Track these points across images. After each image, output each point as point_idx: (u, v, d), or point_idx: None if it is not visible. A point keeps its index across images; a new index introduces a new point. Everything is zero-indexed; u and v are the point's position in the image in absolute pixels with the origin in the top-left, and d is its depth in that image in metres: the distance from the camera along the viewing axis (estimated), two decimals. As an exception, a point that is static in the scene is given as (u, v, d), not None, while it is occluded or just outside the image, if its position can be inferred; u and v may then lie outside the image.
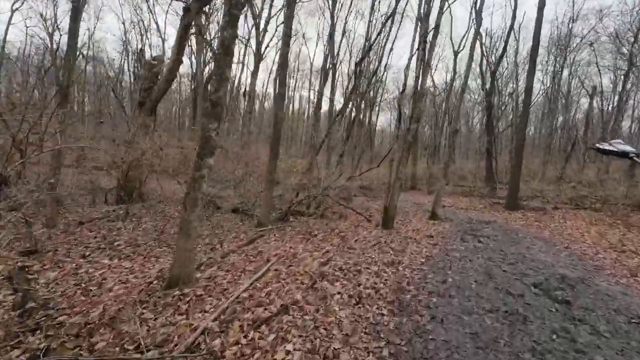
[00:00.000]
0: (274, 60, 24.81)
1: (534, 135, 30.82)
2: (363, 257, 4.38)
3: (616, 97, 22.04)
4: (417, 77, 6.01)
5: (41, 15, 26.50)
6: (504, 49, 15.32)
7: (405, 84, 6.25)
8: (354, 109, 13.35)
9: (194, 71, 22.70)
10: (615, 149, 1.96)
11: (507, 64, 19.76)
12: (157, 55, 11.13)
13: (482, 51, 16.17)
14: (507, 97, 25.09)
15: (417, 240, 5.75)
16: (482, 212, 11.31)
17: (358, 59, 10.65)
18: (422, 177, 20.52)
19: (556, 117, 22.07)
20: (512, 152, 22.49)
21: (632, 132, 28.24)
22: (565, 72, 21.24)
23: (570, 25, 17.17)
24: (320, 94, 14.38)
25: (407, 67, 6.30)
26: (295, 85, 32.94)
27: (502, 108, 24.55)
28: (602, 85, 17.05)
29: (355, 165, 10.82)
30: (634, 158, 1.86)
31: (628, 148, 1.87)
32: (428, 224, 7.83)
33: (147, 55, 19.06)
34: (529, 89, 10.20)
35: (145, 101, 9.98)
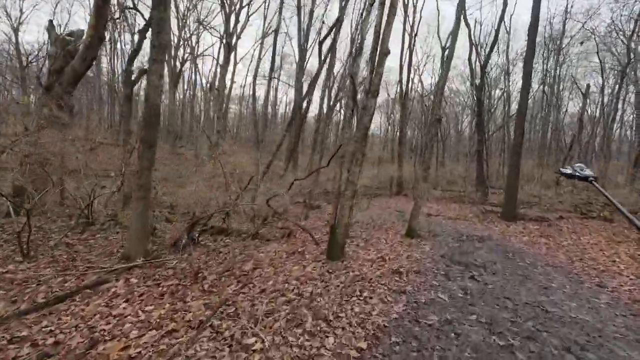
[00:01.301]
0: (252, 56, 22.66)
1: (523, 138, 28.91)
2: (230, 352, 2.04)
3: (605, 99, 20.28)
4: (377, 29, 3.81)
5: (5, 10, 24.13)
6: (495, 38, 13.28)
7: (361, 44, 4.06)
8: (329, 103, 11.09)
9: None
10: (578, 174, 1.78)
11: (498, 56, 17.74)
12: (75, 30, 8.77)
13: (470, 42, 14.13)
14: (496, 100, 23.33)
15: (372, 284, 3.44)
16: (473, 222, 9.08)
17: (322, 37, 8.44)
18: (409, 181, 18.37)
19: (549, 118, 20.09)
20: (504, 153, 20.44)
21: (621, 137, 26.45)
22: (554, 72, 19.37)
23: (565, 16, 15.25)
24: (300, 90, 12.17)
25: (365, 20, 4.10)
26: (279, 85, 30.72)
27: (492, 110, 22.70)
28: (602, 75, 15.03)
29: (307, 167, 8.50)
30: (593, 182, 1.72)
31: (588, 172, 1.77)
32: (401, 245, 5.53)
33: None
34: (527, 73, 8.04)
35: (54, 86, 7.63)
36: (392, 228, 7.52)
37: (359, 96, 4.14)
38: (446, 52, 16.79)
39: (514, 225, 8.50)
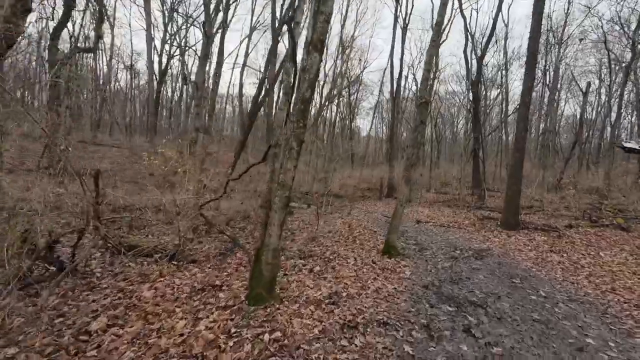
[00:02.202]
0: (238, 52, 21.19)
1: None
2: None
3: (603, 98, 19.04)
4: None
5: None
6: (493, 27, 11.90)
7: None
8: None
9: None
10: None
11: (495, 49, 16.34)
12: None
13: (466, 33, 12.74)
14: (492, 101, 22.08)
15: None
16: (469, 231, 7.61)
17: (287, 17, 6.97)
18: (401, 183, 16.93)
19: (548, 117, 18.70)
20: (501, 154, 19.04)
21: (617, 138, 25.20)
22: (551, 69, 18.06)
23: (567, 8, 13.88)
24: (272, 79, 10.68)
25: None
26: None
27: (488, 112, 21.39)
28: (610, 65, 13.64)
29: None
30: None
31: None
32: (373, 269, 4.05)
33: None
34: (533, 54, 6.60)
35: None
36: (370, 240, 6.04)
37: (300, 57, 2.66)
38: (440, 48, 15.42)
39: (516, 235, 7.05)
